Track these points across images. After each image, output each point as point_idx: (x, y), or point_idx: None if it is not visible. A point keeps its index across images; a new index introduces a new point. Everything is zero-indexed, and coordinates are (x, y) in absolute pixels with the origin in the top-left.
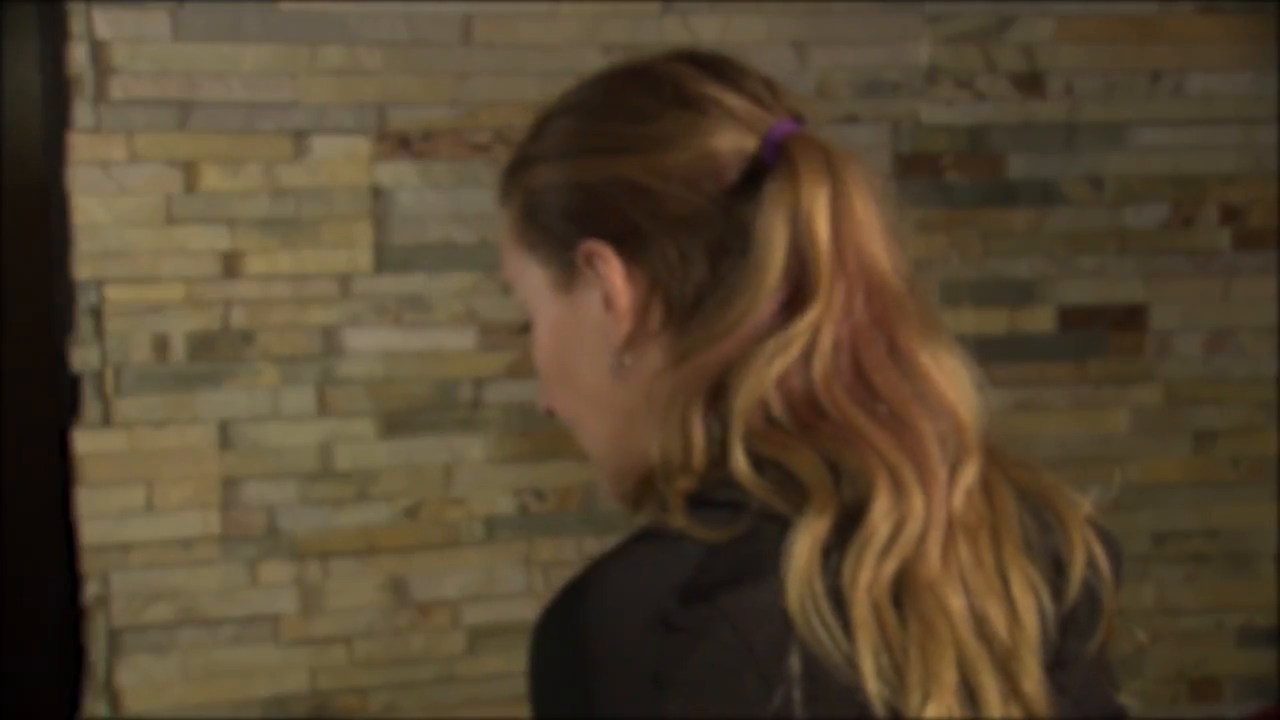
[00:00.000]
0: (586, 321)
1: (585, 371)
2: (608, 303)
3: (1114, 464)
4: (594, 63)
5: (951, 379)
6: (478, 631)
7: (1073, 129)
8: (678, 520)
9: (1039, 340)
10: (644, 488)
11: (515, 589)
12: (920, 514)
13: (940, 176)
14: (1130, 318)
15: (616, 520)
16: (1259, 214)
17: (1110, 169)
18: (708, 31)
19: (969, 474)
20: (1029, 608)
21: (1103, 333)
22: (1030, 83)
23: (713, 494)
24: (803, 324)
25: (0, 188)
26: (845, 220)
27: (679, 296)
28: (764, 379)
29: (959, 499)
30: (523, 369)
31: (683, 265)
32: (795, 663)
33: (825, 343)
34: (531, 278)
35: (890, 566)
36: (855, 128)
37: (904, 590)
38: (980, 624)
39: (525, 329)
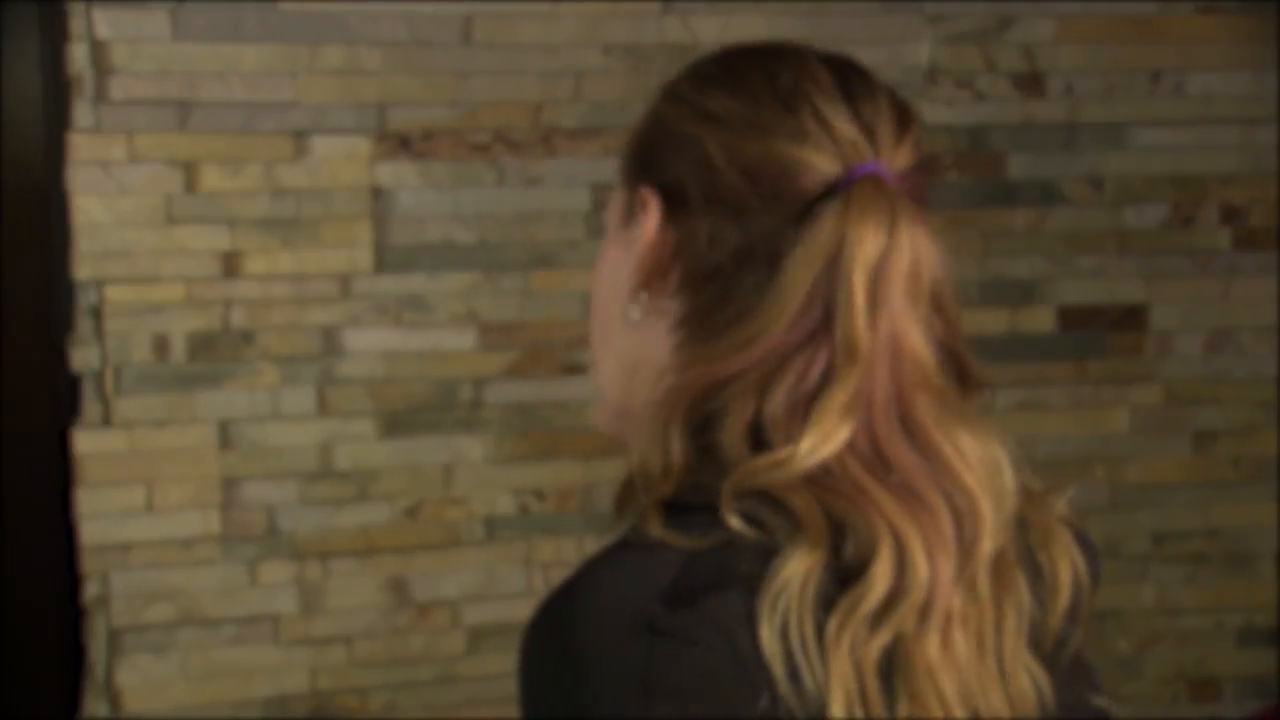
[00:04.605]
0: (624, 261)
1: (608, 308)
2: (638, 249)
3: (1114, 464)
4: (594, 63)
5: (972, 463)
6: (478, 631)
7: (1073, 129)
8: (655, 529)
9: (1039, 340)
10: (625, 493)
11: (515, 589)
12: (923, 587)
13: (940, 176)
14: (1130, 318)
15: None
16: (1259, 214)
17: (1110, 169)
18: (708, 31)
19: (982, 555)
20: (1027, 701)
21: (1103, 333)
22: (1030, 83)
23: (689, 499)
24: (833, 390)
25: (0, 188)
26: (885, 283)
27: (697, 272)
28: (771, 417)
29: (967, 582)
30: (523, 369)
31: (710, 248)
32: (779, 668)
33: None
34: (613, 207)
35: (883, 638)
36: None
37: (898, 668)
38: (975, 711)
39: None
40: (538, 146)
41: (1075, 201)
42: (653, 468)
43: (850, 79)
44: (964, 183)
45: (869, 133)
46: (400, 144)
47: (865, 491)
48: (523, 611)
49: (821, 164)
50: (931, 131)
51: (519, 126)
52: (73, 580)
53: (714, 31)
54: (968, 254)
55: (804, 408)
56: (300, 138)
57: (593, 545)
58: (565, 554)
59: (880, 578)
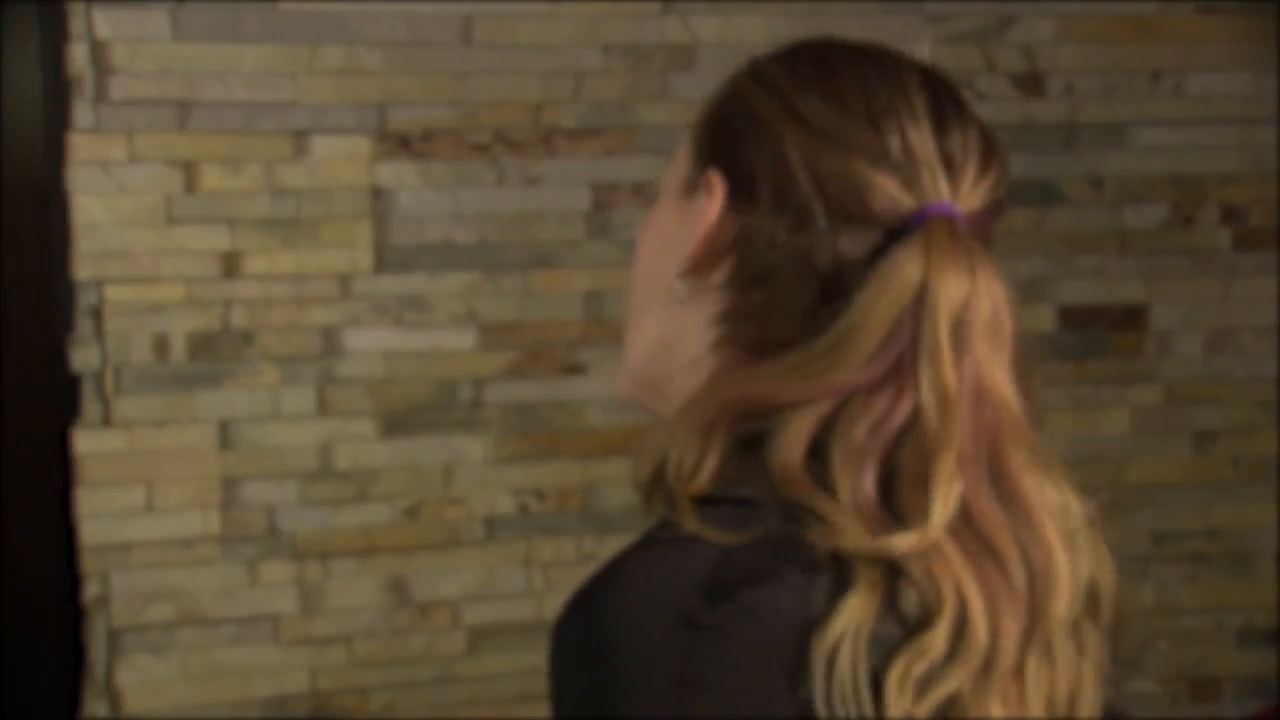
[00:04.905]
0: (676, 232)
1: (652, 277)
2: (694, 229)
3: (1114, 464)
4: (594, 63)
5: (1054, 514)
6: (478, 631)
7: (1073, 129)
8: (690, 523)
9: (1039, 340)
10: (654, 482)
11: (515, 589)
12: (980, 654)
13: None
14: (1130, 318)
15: (616, 520)
16: (1259, 214)
17: (1110, 169)
18: (708, 31)
19: (1055, 614)
20: None
21: (1103, 333)
22: (1030, 83)
23: (724, 492)
24: (920, 436)
25: (0, 188)
26: (967, 329)
27: (749, 270)
28: (850, 458)
29: (1042, 644)
30: (523, 369)
31: (768, 250)
32: (819, 662)
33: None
34: (676, 168)
35: (940, 692)
36: None
37: None
38: None
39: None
40: (538, 146)
41: (1075, 201)
42: (686, 465)
43: (945, 106)
44: None
45: (950, 166)
46: (400, 144)
47: (936, 545)
48: (523, 611)
49: (895, 191)
50: None
51: (519, 126)
52: (73, 580)
53: (714, 31)
54: None
55: (881, 451)
56: (300, 138)
57: (593, 545)
58: (565, 554)
59: (942, 633)
